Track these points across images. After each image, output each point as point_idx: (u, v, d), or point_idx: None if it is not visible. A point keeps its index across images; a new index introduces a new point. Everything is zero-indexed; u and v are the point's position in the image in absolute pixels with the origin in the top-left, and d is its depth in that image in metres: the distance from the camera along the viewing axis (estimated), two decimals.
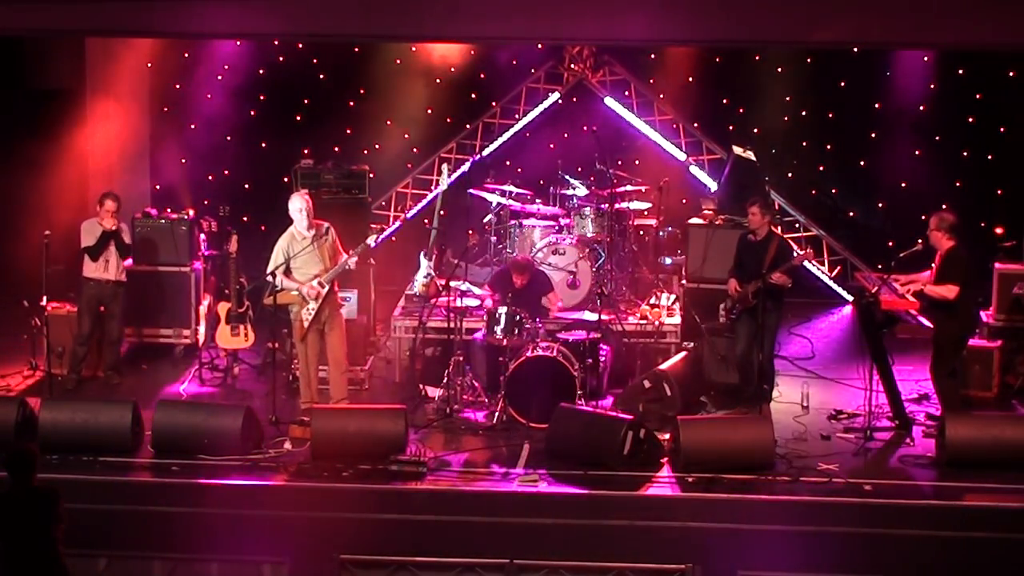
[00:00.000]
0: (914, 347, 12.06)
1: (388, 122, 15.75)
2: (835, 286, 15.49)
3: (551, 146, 15.54)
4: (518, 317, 11.73)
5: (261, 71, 15.50)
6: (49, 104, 14.12)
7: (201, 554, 10.03)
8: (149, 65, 14.88)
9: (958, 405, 11.15)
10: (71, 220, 12.77)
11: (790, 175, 15.75)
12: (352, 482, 10.21)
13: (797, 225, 15.61)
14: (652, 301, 13.37)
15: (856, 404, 11.54)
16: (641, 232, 14.31)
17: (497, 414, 11.48)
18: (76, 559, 8.90)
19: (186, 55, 15.24)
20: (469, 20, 11.64)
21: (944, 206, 12.55)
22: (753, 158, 14.12)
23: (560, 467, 10.48)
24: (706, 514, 9.92)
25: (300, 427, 10.98)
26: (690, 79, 15.49)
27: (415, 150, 15.97)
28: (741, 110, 15.64)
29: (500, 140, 15.81)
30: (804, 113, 15.51)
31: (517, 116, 15.84)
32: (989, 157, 15.20)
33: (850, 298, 14.92)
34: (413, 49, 15.38)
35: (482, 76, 15.77)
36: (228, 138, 15.57)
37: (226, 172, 15.82)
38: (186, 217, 13.55)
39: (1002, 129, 15.15)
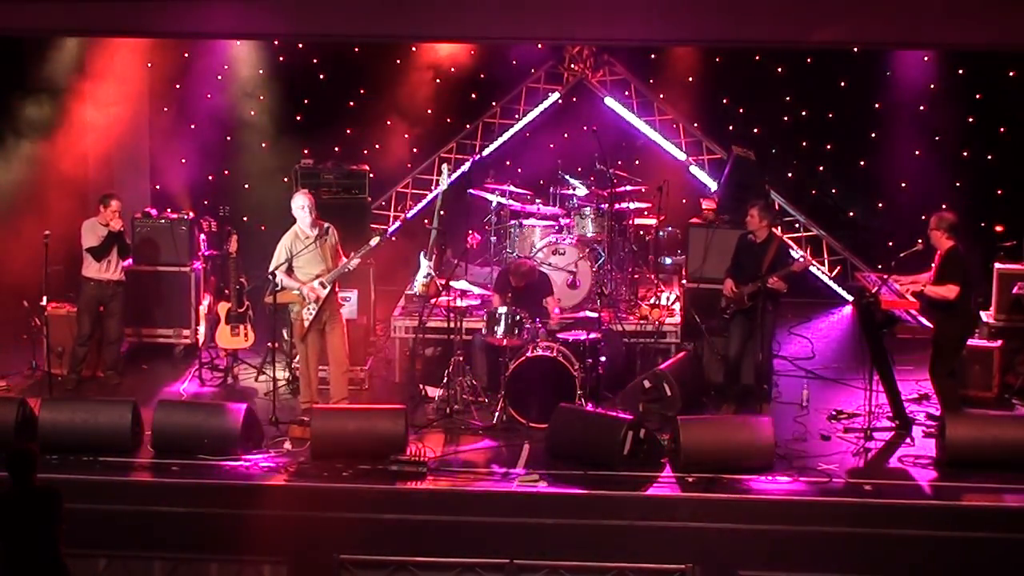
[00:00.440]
0: (914, 347, 12.06)
1: (388, 122, 15.74)
2: (835, 286, 15.49)
3: (551, 146, 15.54)
4: (518, 317, 11.74)
5: (261, 71, 15.50)
6: (49, 104, 14.12)
7: (201, 554, 10.04)
8: (149, 65, 14.87)
9: (957, 405, 11.15)
10: (71, 220, 12.76)
11: (790, 175, 15.75)
12: (352, 482, 10.21)
13: (797, 225, 15.61)
14: (652, 301, 13.38)
15: (856, 404, 11.54)
16: (641, 232, 14.32)
17: (497, 414, 11.49)
18: (76, 559, 8.91)
19: (186, 55, 15.24)
20: (469, 20, 11.66)
21: (944, 206, 12.55)
22: (753, 158, 14.14)
23: (560, 467, 10.48)
24: (706, 514, 9.92)
25: (300, 427, 10.98)
26: (690, 79, 15.49)
27: (415, 150, 15.97)
28: (741, 110, 15.64)
29: (500, 140, 15.82)
30: (804, 113, 15.51)
31: (517, 116, 15.84)
32: (989, 157, 15.20)
33: (850, 298, 14.93)
34: (413, 49, 15.38)
35: (482, 76, 15.76)
36: (228, 138, 15.57)
37: (226, 172, 15.82)
38: (186, 217, 13.55)
39: (1002, 129, 15.14)
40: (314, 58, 15.64)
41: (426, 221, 14.45)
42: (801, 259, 11.99)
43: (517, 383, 11.49)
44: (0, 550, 8.20)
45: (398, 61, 15.53)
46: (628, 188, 14.12)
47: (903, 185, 15.30)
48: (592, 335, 11.73)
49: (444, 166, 14.77)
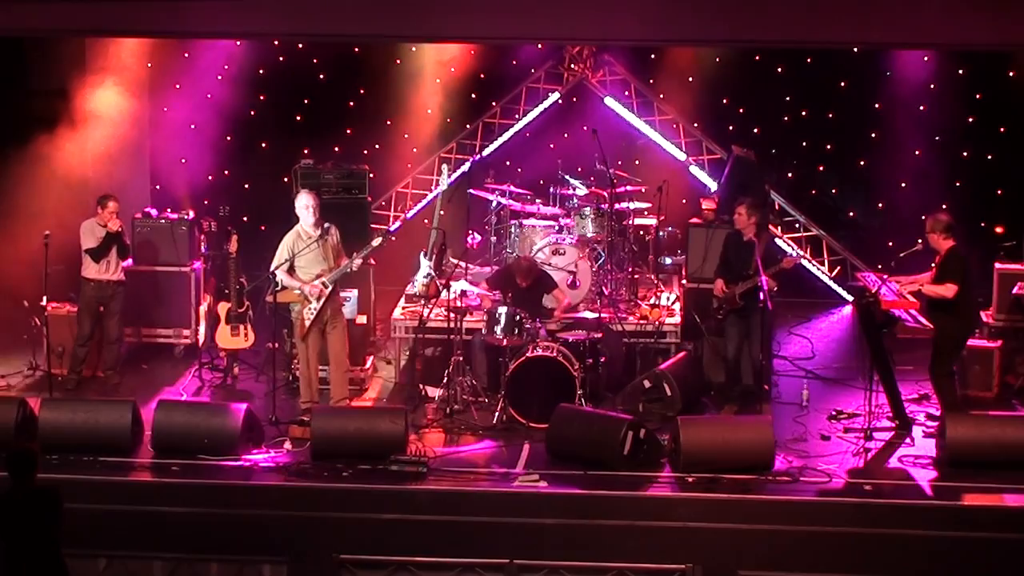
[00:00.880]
0: (914, 347, 12.06)
1: (388, 122, 15.74)
2: (835, 286, 15.48)
3: (551, 146, 15.53)
4: (518, 317, 11.74)
5: (261, 71, 15.49)
6: (49, 104, 14.11)
7: (201, 554, 10.04)
8: (149, 65, 14.87)
9: (957, 404, 11.15)
10: (71, 220, 12.75)
11: (790, 175, 15.75)
12: (352, 482, 10.22)
13: (797, 225, 15.61)
14: (652, 301, 13.37)
15: (856, 404, 11.54)
16: (641, 232, 14.31)
17: (497, 414, 11.49)
18: (76, 559, 8.92)
19: (186, 55, 15.23)
20: (469, 20, 11.65)
21: (944, 206, 12.55)
22: (753, 158, 14.14)
23: (560, 467, 10.48)
24: (706, 514, 9.92)
25: (300, 427, 10.98)
26: (690, 79, 15.48)
27: (415, 150, 15.97)
28: (741, 110, 15.63)
29: (500, 140, 15.81)
30: (804, 113, 15.51)
31: (517, 116, 15.83)
32: (989, 157, 15.19)
33: (850, 298, 14.92)
34: (413, 49, 15.37)
35: (482, 76, 15.76)
36: (228, 138, 15.56)
37: (226, 172, 15.81)
38: (186, 217, 13.55)
39: (1002, 129, 15.14)
40: (314, 58, 15.63)
41: (426, 221, 14.46)
42: (791, 255, 11.96)
43: (517, 383, 11.49)
44: (0, 550, 8.21)
45: (398, 61, 15.52)
46: (628, 188, 14.13)
47: (903, 185, 15.29)
48: (592, 335, 11.73)
49: (444, 166, 14.78)
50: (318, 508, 10.07)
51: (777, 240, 15.07)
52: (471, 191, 14.06)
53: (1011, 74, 14.86)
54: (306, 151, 14.89)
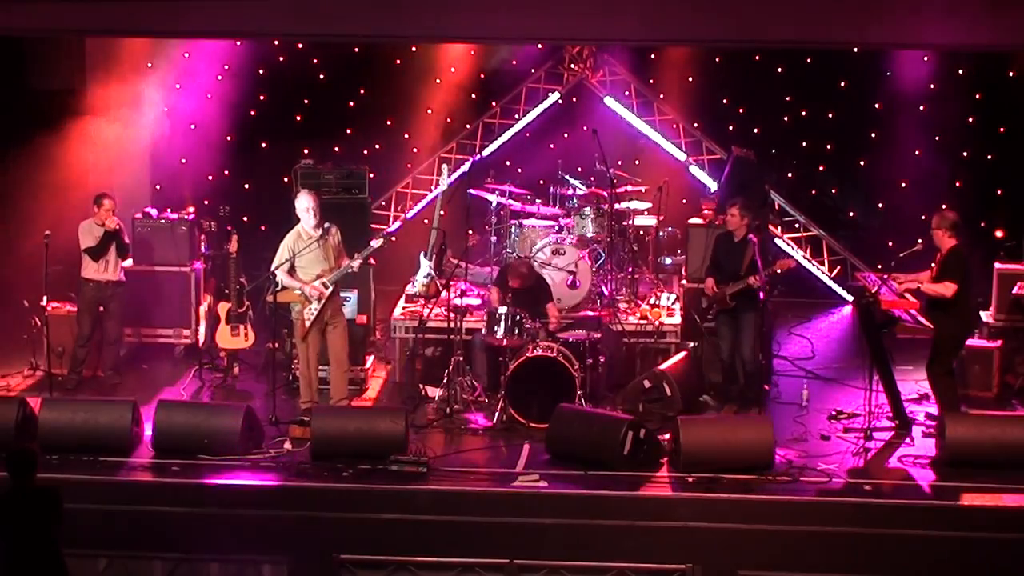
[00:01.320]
0: (914, 347, 12.04)
1: (388, 122, 15.75)
2: (835, 286, 15.48)
3: (551, 146, 15.53)
4: (518, 317, 11.74)
5: (261, 71, 15.49)
6: (49, 104, 14.11)
7: (201, 554, 10.04)
8: (149, 65, 14.87)
9: (955, 403, 11.16)
10: (71, 220, 12.74)
11: (790, 175, 15.74)
12: (352, 482, 10.22)
13: (797, 225, 15.61)
14: (652, 301, 13.37)
15: (856, 404, 11.54)
16: (641, 232, 14.31)
17: (497, 414, 11.49)
18: (76, 559, 8.93)
19: (186, 55, 15.23)
20: (469, 20, 11.64)
21: (944, 206, 12.54)
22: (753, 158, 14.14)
23: (560, 467, 10.48)
24: (706, 514, 9.92)
25: (300, 427, 10.98)
26: (690, 79, 15.49)
27: (415, 150, 15.97)
28: (741, 110, 15.63)
29: (500, 140, 15.81)
30: (804, 113, 15.51)
31: (517, 116, 15.83)
32: (989, 157, 15.19)
33: (850, 298, 14.92)
34: (413, 49, 15.38)
35: (482, 76, 15.76)
36: (228, 138, 15.56)
37: (226, 172, 15.80)
38: (186, 217, 13.55)
39: (1002, 129, 15.14)
40: (314, 58, 15.63)
41: (426, 221, 14.45)
42: (783, 259, 11.91)
43: (517, 383, 11.49)
44: (0, 550, 8.21)
45: (398, 61, 15.53)
46: (628, 188, 14.13)
47: (903, 185, 15.29)
48: (592, 335, 11.73)
49: (444, 166, 14.78)
50: (318, 508, 10.07)
51: (777, 240, 15.09)
52: (471, 191, 14.06)
53: (1011, 74, 14.86)
54: (306, 151, 14.88)
